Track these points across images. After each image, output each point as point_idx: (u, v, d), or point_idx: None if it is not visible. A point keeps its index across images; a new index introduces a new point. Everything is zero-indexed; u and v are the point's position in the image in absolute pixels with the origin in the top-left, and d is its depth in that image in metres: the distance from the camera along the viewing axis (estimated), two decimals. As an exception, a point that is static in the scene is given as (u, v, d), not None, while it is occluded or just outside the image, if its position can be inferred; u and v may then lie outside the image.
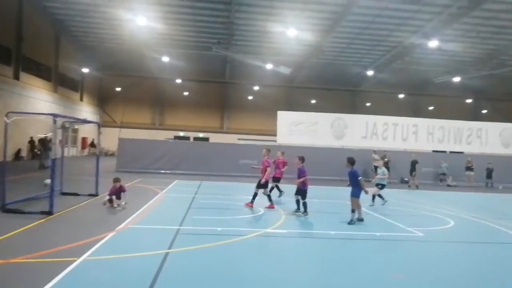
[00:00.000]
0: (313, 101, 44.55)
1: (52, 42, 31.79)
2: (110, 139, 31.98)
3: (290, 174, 15.46)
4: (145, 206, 10.89)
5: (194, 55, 36.63)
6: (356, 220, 9.84)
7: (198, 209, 11.03)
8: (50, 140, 21.30)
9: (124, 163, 21.78)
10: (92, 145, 39.18)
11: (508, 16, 25.91)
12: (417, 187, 20.14)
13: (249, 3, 25.71)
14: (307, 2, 25.03)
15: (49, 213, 8.90)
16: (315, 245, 7.91)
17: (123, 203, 10.62)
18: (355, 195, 9.77)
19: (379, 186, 13.30)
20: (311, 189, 10.91)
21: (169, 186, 15.95)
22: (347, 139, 23.29)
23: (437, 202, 15.22)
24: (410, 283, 5.79)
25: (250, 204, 11.40)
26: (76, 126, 33.43)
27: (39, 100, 28.93)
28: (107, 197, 10.72)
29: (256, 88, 42.72)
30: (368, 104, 45.09)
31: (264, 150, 11.91)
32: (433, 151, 25.16)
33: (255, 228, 8.86)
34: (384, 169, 13.70)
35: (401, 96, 44.61)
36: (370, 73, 38.18)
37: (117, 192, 10.73)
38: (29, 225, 7.94)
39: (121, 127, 29.39)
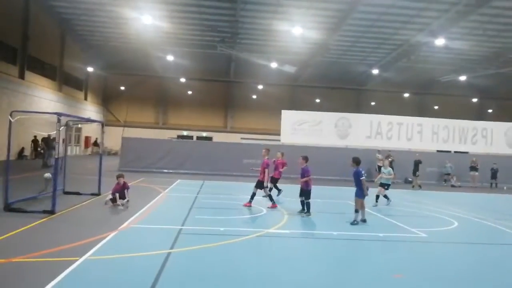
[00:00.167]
0: (317, 100, 44.43)
1: (57, 41, 31.91)
2: (113, 138, 32.07)
3: (292, 174, 15.45)
4: (147, 206, 10.90)
5: (198, 53, 36.63)
6: (360, 221, 9.78)
7: (201, 209, 11.02)
8: (53, 139, 21.39)
9: (127, 162, 21.82)
10: (96, 144, 39.34)
11: (515, 14, 25.68)
12: (420, 186, 20.05)
13: (255, 1, 25.63)
14: (313, 0, 24.93)
15: (52, 212, 8.92)
16: (317, 246, 7.86)
17: (126, 200, 10.63)
18: (359, 195, 9.70)
19: (385, 187, 13.24)
20: (314, 189, 10.85)
21: (172, 186, 15.96)
22: (351, 139, 23.19)
23: (441, 202, 15.12)
24: (411, 283, 5.74)
25: (249, 204, 11.39)
26: (79, 125, 33.54)
27: (43, 99, 29.06)
28: (109, 196, 10.73)
29: (260, 87, 42.67)
30: (372, 103, 44.91)
31: (264, 150, 11.85)
32: (438, 151, 25.00)
33: (257, 228, 8.83)
34: (390, 169, 13.61)
35: (406, 95, 44.38)
36: (375, 71, 38.03)
37: (121, 189, 10.73)
38: (32, 224, 7.96)
39: (124, 126, 29.48)
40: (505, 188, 22.75)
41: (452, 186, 22.56)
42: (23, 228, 7.60)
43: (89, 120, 16.82)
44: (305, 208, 10.57)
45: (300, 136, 22.76)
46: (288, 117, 23.32)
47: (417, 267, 6.59)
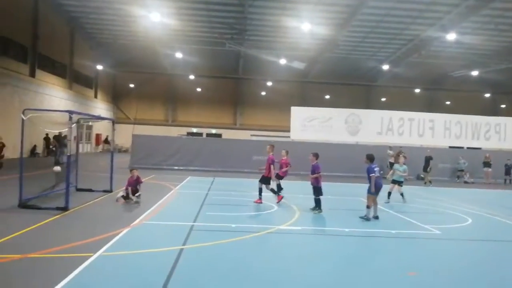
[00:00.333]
0: (327, 97, 44.18)
1: (67, 39, 32.16)
2: (123, 135, 32.29)
3: (302, 171, 15.37)
4: (159, 202, 10.93)
5: (207, 51, 36.65)
6: (372, 217, 9.71)
7: (212, 205, 11.02)
8: (65, 137, 21.57)
9: (138, 160, 21.91)
10: (106, 141, 39.65)
11: (528, 8, 25.21)
12: (430, 182, 19.87)
13: (263, -3, 25.56)
14: (322, -5, 24.79)
15: (65, 209, 9.00)
16: (329, 242, 7.80)
17: (138, 194, 10.73)
18: (371, 191, 9.63)
19: (400, 184, 13.16)
20: (324, 186, 10.78)
21: (183, 183, 16.01)
22: (362, 135, 22.99)
23: (454, 199, 14.94)
24: (426, 281, 5.65)
25: (259, 201, 11.36)
26: (90, 123, 33.82)
27: (54, 97, 29.33)
28: (120, 194, 10.80)
29: (269, 83, 42.55)
30: (383, 99, 44.54)
31: (268, 146, 11.86)
32: (450, 147, 24.66)
33: (269, 225, 8.80)
34: (405, 167, 13.52)
35: (417, 90, 43.92)
36: (385, 67, 37.67)
37: (135, 183, 10.83)
38: (46, 221, 8.03)
39: (134, 123, 29.62)
40: (519, 184, 22.42)
41: (465, 182, 22.26)
42: (37, 225, 7.68)
43: (100, 118, 16.99)
44: (319, 206, 10.52)
45: (310, 132, 22.64)
46: (298, 113, 23.20)
47: (431, 264, 6.49)
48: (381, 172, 10.38)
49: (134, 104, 40.40)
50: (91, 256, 5.88)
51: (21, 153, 9.61)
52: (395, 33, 31.18)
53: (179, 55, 35.64)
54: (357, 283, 5.53)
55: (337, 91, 43.12)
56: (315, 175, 10.42)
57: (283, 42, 33.56)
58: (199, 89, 43.96)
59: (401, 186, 13.25)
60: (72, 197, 9.78)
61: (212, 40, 33.63)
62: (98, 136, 39.35)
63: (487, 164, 22.52)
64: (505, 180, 22.64)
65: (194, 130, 43.64)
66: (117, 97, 44.16)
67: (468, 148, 25.34)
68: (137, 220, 8.51)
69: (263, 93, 44.36)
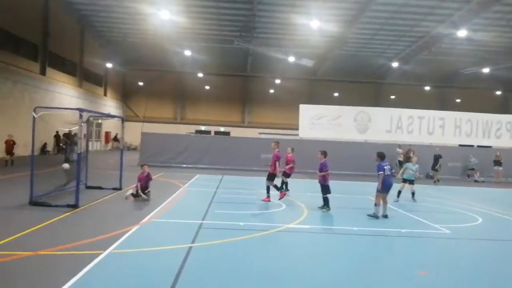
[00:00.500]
0: (336, 94, 43.94)
1: (77, 37, 32.40)
2: (132, 133, 32.43)
3: (310, 169, 15.31)
4: (168, 200, 10.99)
5: (216, 48, 36.65)
6: (381, 216, 9.66)
7: (220, 203, 11.05)
8: (75, 135, 21.77)
9: (147, 157, 22.01)
10: (115, 139, 39.93)
11: (541, 4, 24.77)
12: (438, 180, 19.71)
13: (272, -5, 25.47)
14: (330, -8, 24.64)
15: (75, 206, 9.09)
16: (338, 241, 7.78)
17: (147, 191, 10.82)
18: (379, 190, 9.59)
19: (413, 183, 13.15)
20: (333, 184, 10.75)
21: (191, 180, 16.06)
22: (371, 133, 22.82)
23: (464, 198, 14.78)
24: (435, 280, 5.61)
25: (267, 199, 11.37)
26: (100, 121, 34.05)
27: (64, 95, 29.58)
28: (130, 191, 10.87)
29: (277, 81, 42.44)
30: (392, 96, 44.13)
31: (273, 143, 11.92)
32: (460, 145, 24.39)
33: (278, 223, 8.80)
34: (417, 165, 13.47)
35: (427, 88, 43.42)
36: (395, 64, 37.34)
37: (145, 180, 10.91)
38: (56, 218, 8.11)
39: (143, 121, 29.78)
40: (530, 183, 22.11)
41: (475, 181, 22.02)
42: (48, 222, 7.76)
43: (110, 116, 17.08)
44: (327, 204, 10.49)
45: (319, 130, 22.54)
46: (306, 111, 23.11)
47: (441, 264, 6.44)
48: (392, 170, 10.33)
49: (143, 102, 40.61)
50: (100, 253, 5.93)
51: (32, 150, 9.72)
52: (405, 30, 30.87)
53: (188, 53, 35.70)
54: (366, 282, 5.51)
55: (346, 88, 42.85)
56: (322, 173, 10.41)
57: (291, 40, 33.42)
58: (207, 87, 44.01)
59: (413, 184, 13.17)
60: (82, 195, 9.87)
61: (220, 37, 33.63)
62: (107, 134, 39.64)
63: (497, 162, 22.25)
64: (517, 179, 22.36)
65: (203, 128, 43.73)
66: (126, 95, 44.40)
67: (478, 146, 25.06)
68: (146, 218, 8.56)
69: (272, 91, 44.25)
